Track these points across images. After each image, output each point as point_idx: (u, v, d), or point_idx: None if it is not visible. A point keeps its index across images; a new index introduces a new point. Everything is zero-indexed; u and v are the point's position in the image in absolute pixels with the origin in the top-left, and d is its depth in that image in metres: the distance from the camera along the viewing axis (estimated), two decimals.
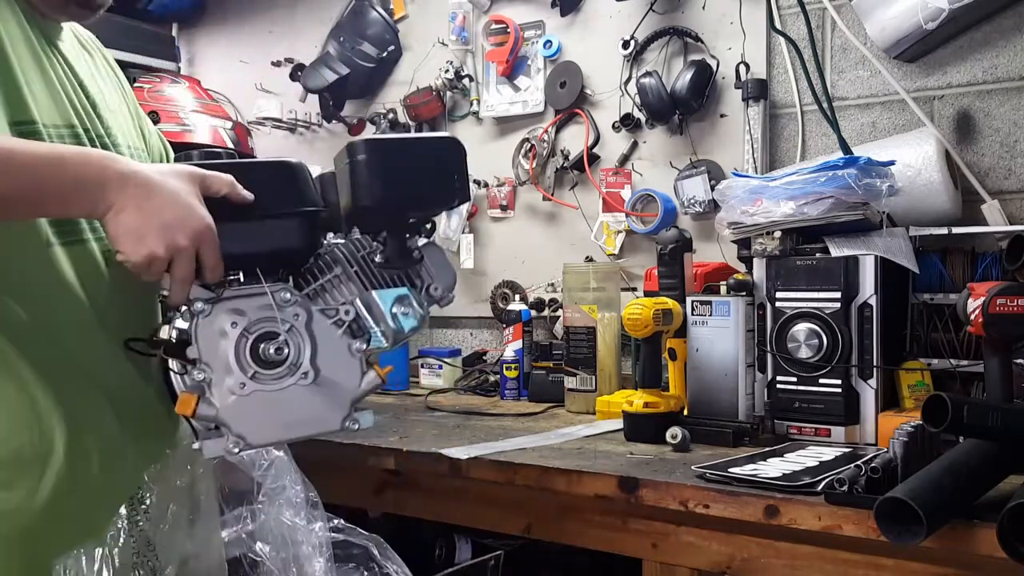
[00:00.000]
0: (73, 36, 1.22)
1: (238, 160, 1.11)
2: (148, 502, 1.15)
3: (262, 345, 1.05)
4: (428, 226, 1.19)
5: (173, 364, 1.12)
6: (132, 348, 1.12)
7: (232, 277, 1.06)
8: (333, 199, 1.13)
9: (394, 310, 1.11)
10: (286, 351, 1.06)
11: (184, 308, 1.04)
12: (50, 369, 1.04)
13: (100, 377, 1.11)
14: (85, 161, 0.98)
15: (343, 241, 1.16)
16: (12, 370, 1.02)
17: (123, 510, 1.11)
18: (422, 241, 1.19)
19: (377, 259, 1.14)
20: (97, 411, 1.10)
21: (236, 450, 1.05)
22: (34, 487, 1.02)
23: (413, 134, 1.33)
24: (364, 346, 1.10)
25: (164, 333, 1.14)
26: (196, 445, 1.08)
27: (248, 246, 1.05)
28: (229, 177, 1.03)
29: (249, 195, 1.04)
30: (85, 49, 1.25)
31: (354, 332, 1.10)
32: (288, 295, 1.07)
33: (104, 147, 1.14)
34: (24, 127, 1.04)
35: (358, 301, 1.11)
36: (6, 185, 0.92)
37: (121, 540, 1.08)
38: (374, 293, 1.12)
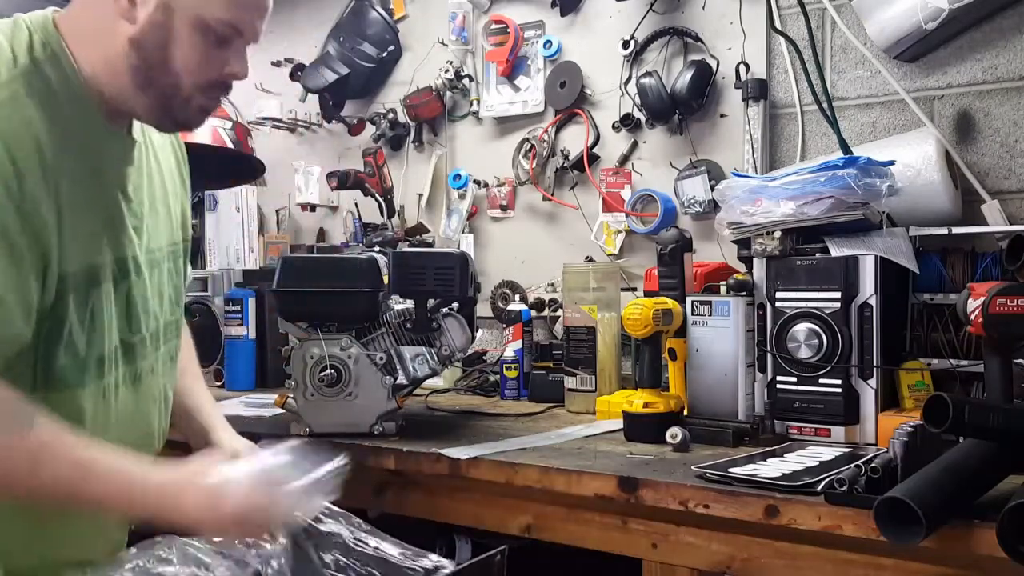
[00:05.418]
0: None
1: (334, 256, 1.65)
2: None
3: (323, 373, 1.57)
4: (450, 307, 1.71)
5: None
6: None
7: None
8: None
9: (412, 362, 1.65)
10: (339, 379, 1.57)
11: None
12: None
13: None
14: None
15: (393, 310, 1.65)
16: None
17: None
18: (444, 311, 1.70)
19: (408, 325, 1.66)
20: None
21: (304, 432, 1.59)
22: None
23: (430, 250, 2.02)
24: (392, 381, 1.59)
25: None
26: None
27: (333, 309, 1.59)
28: None
29: None
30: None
31: (387, 371, 1.59)
32: (348, 342, 1.58)
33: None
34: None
35: (392, 351, 1.62)
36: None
37: None
38: (403, 348, 1.65)
